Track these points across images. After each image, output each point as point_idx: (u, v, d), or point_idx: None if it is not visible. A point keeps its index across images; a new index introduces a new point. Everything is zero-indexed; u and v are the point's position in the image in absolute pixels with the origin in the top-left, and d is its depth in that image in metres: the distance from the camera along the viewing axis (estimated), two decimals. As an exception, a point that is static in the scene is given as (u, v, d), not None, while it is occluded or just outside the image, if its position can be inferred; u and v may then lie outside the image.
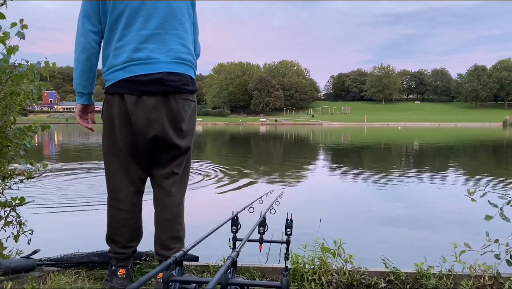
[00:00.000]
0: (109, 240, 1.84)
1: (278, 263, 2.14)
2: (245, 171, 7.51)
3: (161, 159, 1.80)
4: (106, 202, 1.85)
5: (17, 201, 2.03)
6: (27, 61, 1.95)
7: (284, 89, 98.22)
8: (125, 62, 1.64)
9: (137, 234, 1.87)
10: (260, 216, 1.37)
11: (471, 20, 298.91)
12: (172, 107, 1.69)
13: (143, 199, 1.88)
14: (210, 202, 4.73)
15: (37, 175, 2.17)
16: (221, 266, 0.91)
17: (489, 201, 1.92)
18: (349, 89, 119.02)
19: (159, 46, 1.67)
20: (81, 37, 1.69)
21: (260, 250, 1.45)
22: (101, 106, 1.82)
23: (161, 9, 1.68)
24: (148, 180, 1.88)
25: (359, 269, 1.97)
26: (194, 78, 1.81)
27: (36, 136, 3.15)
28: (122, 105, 1.67)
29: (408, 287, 1.92)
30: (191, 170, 2.00)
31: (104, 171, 1.85)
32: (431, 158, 11.64)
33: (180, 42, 1.72)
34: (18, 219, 2.03)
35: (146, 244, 1.96)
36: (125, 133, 1.71)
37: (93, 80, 1.78)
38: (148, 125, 1.67)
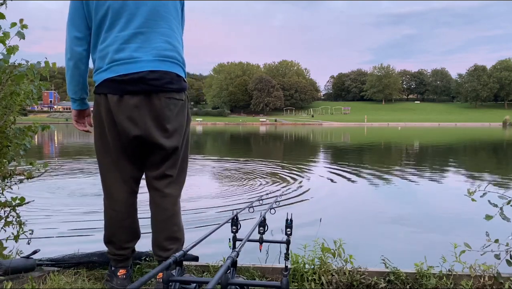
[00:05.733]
0: (107, 241, 1.84)
1: (278, 263, 2.14)
2: (245, 170, 7.51)
3: (151, 160, 1.77)
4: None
5: (17, 201, 2.03)
6: (27, 61, 1.95)
7: (284, 89, 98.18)
8: (109, 64, 1.64)
9: (134, 235, 1.86)
10: (260, 216, 1.37)
11: (473, 20, 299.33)
12: (155, 106, 1.65)
13: (141, 199, 1.88)
14: (210, 201, 4.72)
15: (37, 175, 2.17)
16: (221, 266, 0.91)
17: (489, 201, 1.92)
18: (349, 89, 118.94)
19: (143, 45, 1.64)
20: (68, 43, 1.71)
21: (260, 250, 1.45)
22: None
23: (144, 8, 1.65)
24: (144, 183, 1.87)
25: (359, 269, 1.97)
26: (182, 76, 1.74)
27: (36, 136, 3.15)
28: (107, 105, 1.66)
29: (408, 287, 1.92)
30: (189, 169, 1.96)
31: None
32: (431, 158, 11.64)
33: (164, 40, 1.68)
34: (18, 219, 2.03)
35: (146, 244, 1.96)
36: (112, 132, 1.70)
37: (83, 86, 1.78)
38: (131, 125, 1.65)
